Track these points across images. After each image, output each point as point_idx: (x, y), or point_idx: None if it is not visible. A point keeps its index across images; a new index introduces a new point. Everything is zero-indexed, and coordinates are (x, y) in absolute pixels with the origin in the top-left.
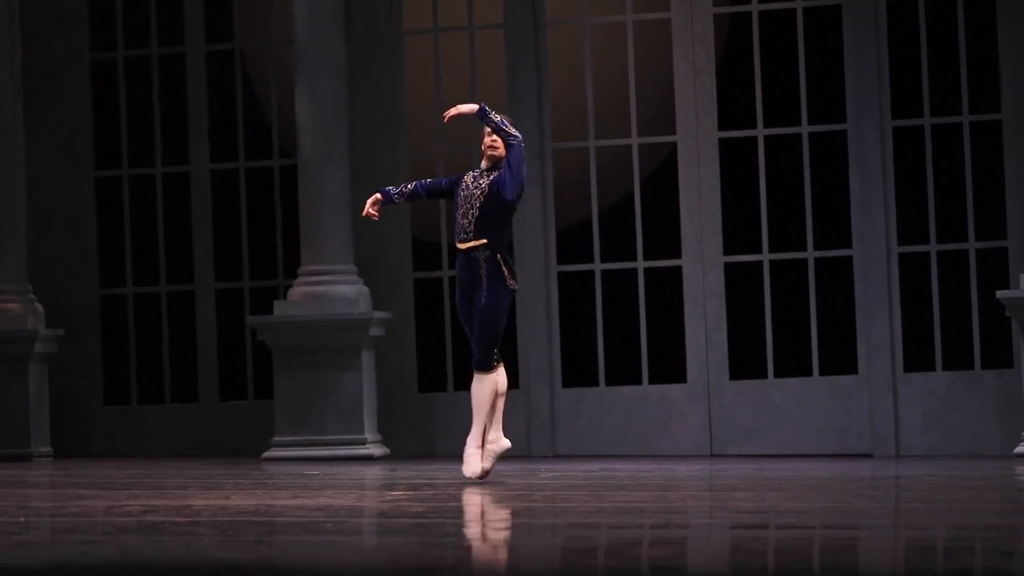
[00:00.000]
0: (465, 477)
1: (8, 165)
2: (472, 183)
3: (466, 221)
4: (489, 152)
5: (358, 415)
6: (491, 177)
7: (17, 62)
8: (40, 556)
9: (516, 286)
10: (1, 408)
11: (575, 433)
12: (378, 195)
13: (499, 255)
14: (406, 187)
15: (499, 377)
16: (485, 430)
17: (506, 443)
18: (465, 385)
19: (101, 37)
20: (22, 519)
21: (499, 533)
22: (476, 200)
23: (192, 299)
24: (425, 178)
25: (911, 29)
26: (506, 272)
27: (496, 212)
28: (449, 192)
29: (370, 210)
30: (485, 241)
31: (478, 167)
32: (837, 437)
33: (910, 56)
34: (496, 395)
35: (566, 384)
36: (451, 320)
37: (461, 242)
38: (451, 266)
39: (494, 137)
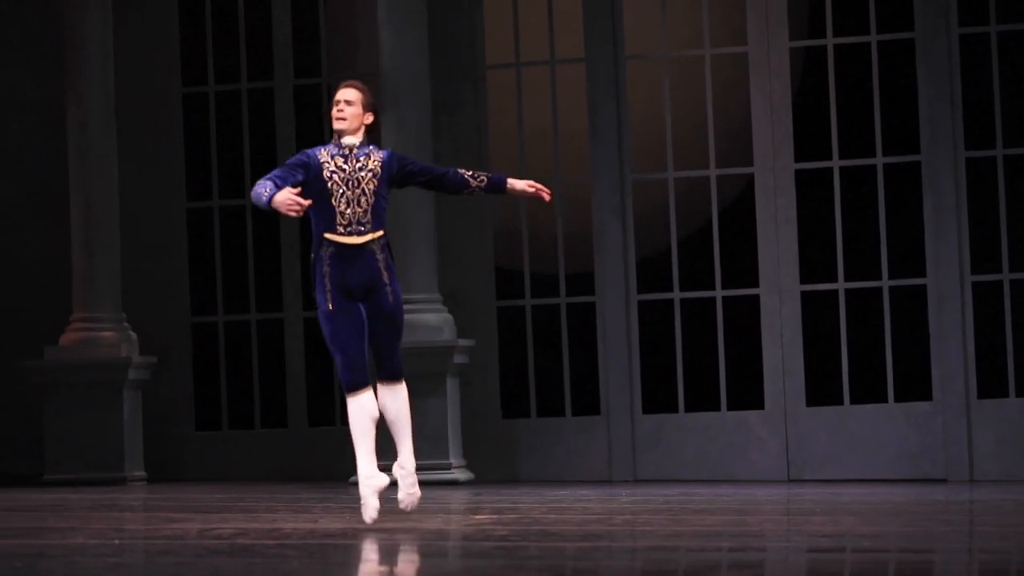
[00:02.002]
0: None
1: (103, 196)
2: (346, 164)
3: (360, 210)
4: (337, 123)
5: (443, 440)
6: (378, 157)
7: (112, 96)
8: None
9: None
10: (96, 433)
11: (655, 458)
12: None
13: (390, 246)
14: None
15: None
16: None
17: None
18: (549, 411)
19: (193, 72)
20: (117, 541)
21: (581, 556)
22: (368, 184)
23: (281, 327)
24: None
25: (983, 61)
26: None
27: (387, 198)
28: (304, 181)
29: (301, 201)
30: (382, 232)
31: (330, 144)
32: (912, 462)
33: (982, 87)
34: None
35: (646, 410)
36: (534, 347)
37: (354, 235)
38: (535, 295)
39: (341, 106)
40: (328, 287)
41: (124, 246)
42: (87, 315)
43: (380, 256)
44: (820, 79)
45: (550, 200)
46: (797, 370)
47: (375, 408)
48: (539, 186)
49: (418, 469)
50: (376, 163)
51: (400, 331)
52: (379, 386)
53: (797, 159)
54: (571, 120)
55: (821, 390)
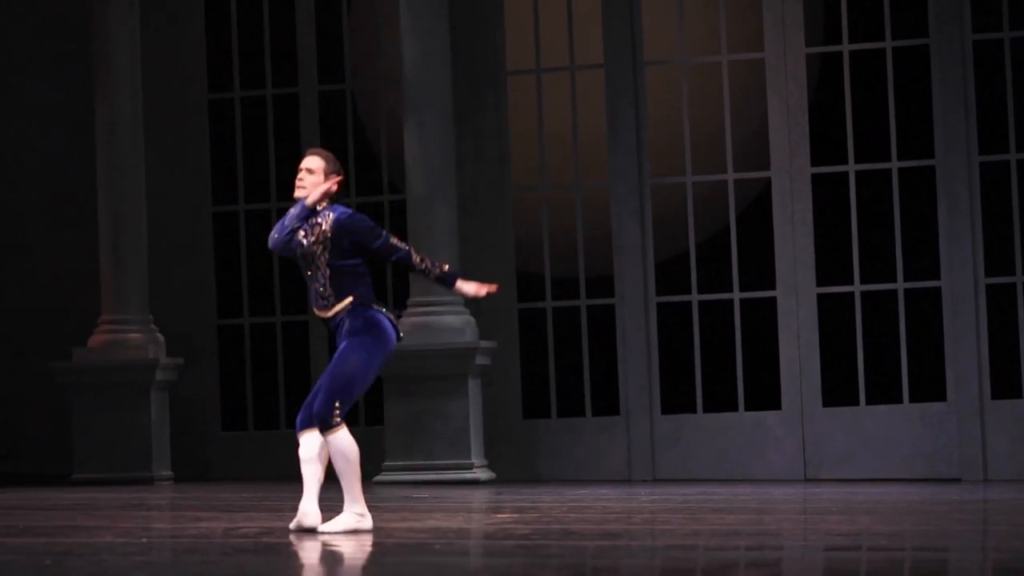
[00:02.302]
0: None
1: (131, 201)
2: (304, 238)
3: (318, 285)
4: (297, 191)
5: (465, 441)
6: (328, 225)
7: (139, 103)
8: (162, 575)
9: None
10: (124, 433)
11: (674, 458)
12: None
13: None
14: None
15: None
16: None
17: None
18: (570, 411)
19: (219, 78)
20: (144, 540)
21: (601, 555)
22: (319, 259)
23: (305, 329)
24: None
25: (997, 67)
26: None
27: (350, 259)
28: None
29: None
30: (351, 299)
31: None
32: (927, 462)
33: (996, 93)
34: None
35: (665, 411)
36: (554, 349)
37: (322, 309)
38: (555, 297)
39: (301, 175)
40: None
41: (151, 250)
42: (115, 317)
43: (347, 324)
44: (836, 85)
45: (496, 292)
46: (813, 371)
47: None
48: (486, 287)
49: (441, 468)
50: (324, 234)
51: (336, 382)
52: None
53: (813, 163)
54: (590, 125)
55: (837, 391)
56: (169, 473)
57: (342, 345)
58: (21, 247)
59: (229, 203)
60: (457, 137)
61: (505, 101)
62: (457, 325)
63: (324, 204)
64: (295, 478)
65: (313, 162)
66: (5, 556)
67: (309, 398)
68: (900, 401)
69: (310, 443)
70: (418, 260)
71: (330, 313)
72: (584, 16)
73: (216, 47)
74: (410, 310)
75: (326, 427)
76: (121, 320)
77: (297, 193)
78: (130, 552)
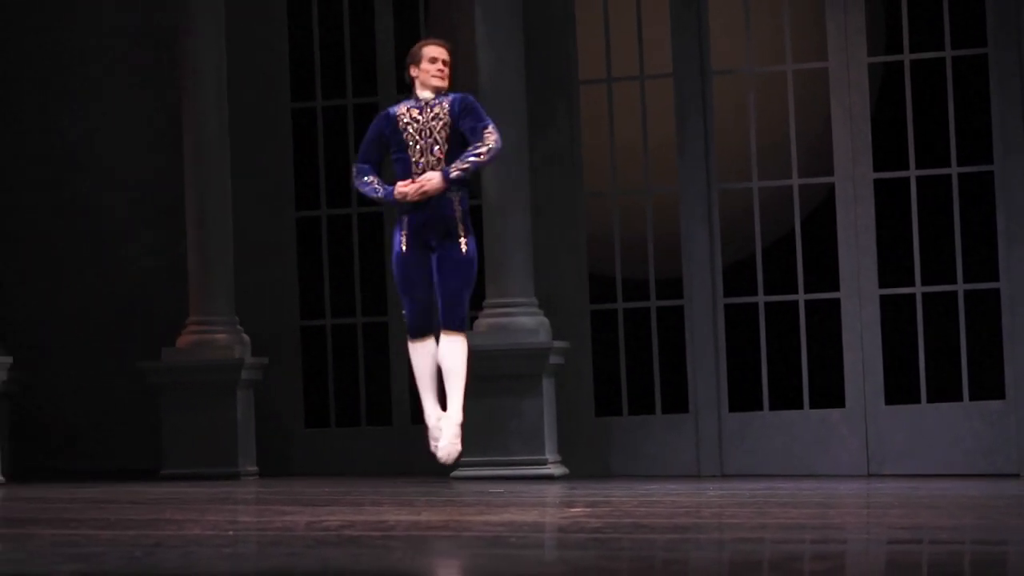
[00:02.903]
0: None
1: (217, 206)
2: (420, 115)
3: (433, 159)
4: (435, 81)
5: (539, 438)
6: (447, 103)
7: (225, 111)
8: (247, 567)
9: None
10: (211, 430)
11: (741, 454)
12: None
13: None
14: (372, 178)
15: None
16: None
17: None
18: (640, 409)
19: (302, 88)
20: (231, 533)
21: (670, 547)
22: (441, 131)
23: (385, 329)
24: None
25: None
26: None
27: (460, 143)
28: (385, 147)
29: (416, 187)
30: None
31: (407, 98)
32: (986, 458)
33: None
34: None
35: (732, 409)
36: (625, 349)
37: None
38: (626, 299)
39: (440, 65)
40: (404, 230)
41: (237, 253)
42: (202, 319)
43: (457, 207)
44: (897, 92)
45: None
46: (876, 370)
47: (435, 354)
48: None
49: (516, 464)
50: (445, 111)
51: (469, 282)
52: (441, 335)
53: (876, 169)
54: (660, 132)
55: (899, 389)
56: (254, 468)
57: (467, 244)
58: (112, 251)
59: (311, 208)
60: (530, 144)
61: (577, 109)
62: (531, 326)
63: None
64: (376, 473)
65: (444, 52)
66: (97, 548)
67: (426, 307)
68: (960, 399)
69: (433, 348)
70: (478, 150)
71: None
72: (653, 27)
73: (299, 58)
74: (485, 311)
75: (463, 328)
76: (208, 321)
77: (438, 83)
78: (217, 544)
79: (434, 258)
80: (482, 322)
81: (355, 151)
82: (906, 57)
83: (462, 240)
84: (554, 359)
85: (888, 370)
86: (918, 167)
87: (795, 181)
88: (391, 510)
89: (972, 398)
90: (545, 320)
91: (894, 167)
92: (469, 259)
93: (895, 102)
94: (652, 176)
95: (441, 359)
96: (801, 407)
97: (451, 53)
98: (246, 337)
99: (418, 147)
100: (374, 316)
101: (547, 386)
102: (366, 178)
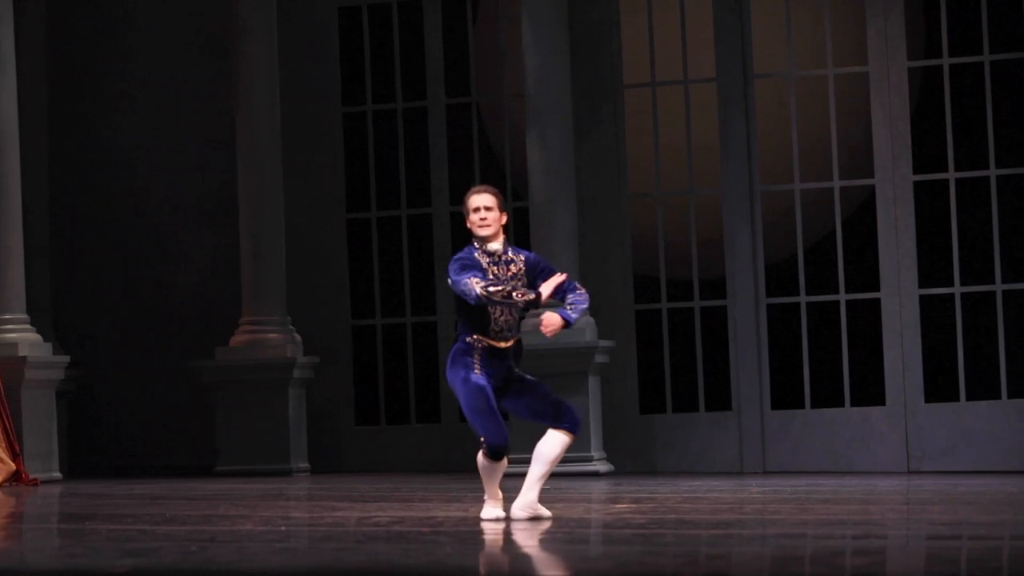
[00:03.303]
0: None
1: (270, 208)
2: (498, 271)
3: (511, 318)
4: (479, 231)
5: (585, 435)
6: (520, 263)
7: (278, 116)
8: (299, 562)
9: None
10: (263, 428)
11: (783, 451)
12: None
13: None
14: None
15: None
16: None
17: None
18: (684, 407)
19: (352, 93)
20: (283, 528)
21: (714, 543)
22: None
23: (435, 329)
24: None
25: None
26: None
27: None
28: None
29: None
30: (518, 335)
31: (475, 247)
32: None
33: None
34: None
35: (775, 406)
36: (669, 348)
37: (502, 341)
38: (670, 299)
39: (482, 213)
40: (476, 366)
41: (289, 255)
42: (255, 319)
43: (513, 357)
44: (936, 96)
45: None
46: (916, 368)
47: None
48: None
49: (563, 461)
50: (520, 271)
51: (547, 390)
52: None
53: (915, 171)
54: (703, 135)
55: (938, 387)
56: (306, 465)
57: (531, 378)
58: (167, 253)
59: (362, 210)
60: (577, 147)
61: (622, 112)
62: (578, 326)
63: (502, 241)
64: (424, 470)
65: (488, 200)
66: (154, 543)
67: (502, 427)
68: (999, 397)
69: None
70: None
71: (507, 344)
72: (697, 32)
73: (349, 63)
74: (531, 311)
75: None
76: (261, 321)
77: (483, 231)
78: (270, 539)
79: (506, 399)
80: (529, 321)
81: (405, 154)
82: (945, 61)
83: (516, 373)
84: (600, 358)
85: (928, 368)
86: (957, 169)
87: (836, 183)
88: (440, 506)
89: (1011, 395)
90: (591, 320)
91: (934, 169)
92: (530, 378)
93: (934, 105)
94: (696, 178)
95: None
96: (842, 405)
97: (497, 196)
98: (298, 336)
99: (500, 306)
100: (423, 316)
101: (593, 384)
102: (489, 280)
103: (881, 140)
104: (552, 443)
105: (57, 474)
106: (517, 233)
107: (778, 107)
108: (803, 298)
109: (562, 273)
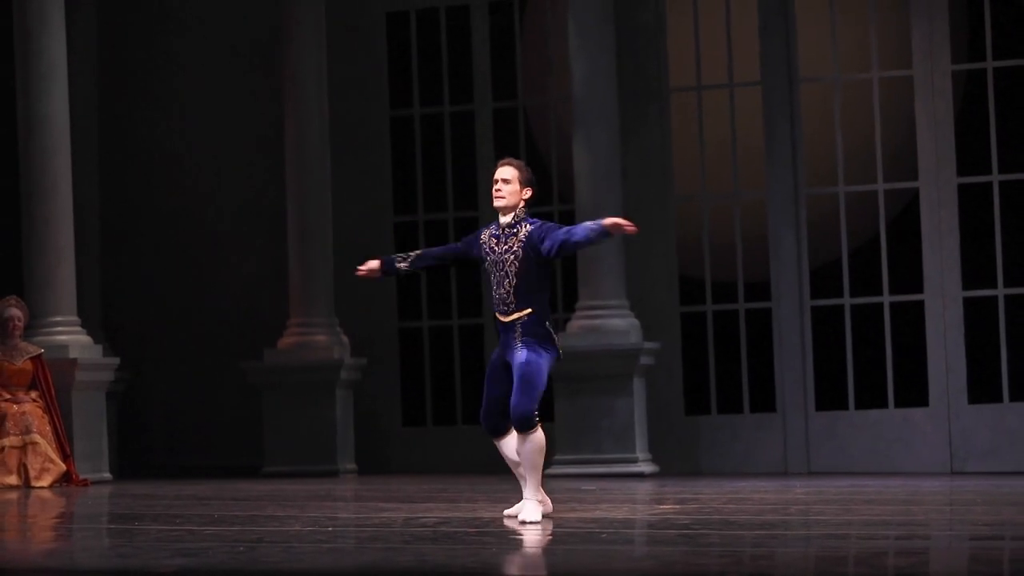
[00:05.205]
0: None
1: (318, 211)
2: (496, 245)
3: (503, 292)
4: (495, 202)
5: (630, 436)
6: (523, 236)
7: (326, 120)
8: (346, 562)
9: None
10: (311, 429)
11: (827, 452)
12: (376, 262)
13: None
14: (412, 254)
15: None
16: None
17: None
18: (729, 408)
19: (400, 97)
20: (330, 528)
21: (758, 543)
22: (510, 267)
23: (481, 331)
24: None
25: None
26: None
27: (537, 273)
28: (469, 256)
29: (361, 269)
30: (529, 311)
31: (495, 223)
32: None
33: None
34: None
35: (819, 408)
36: (714, 350)
37: (501, 314)
38: (715, 301)
39: (499, 185)
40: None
41: (337, 257)
42: (303, 321)
43: (519, 334)
44: (980, 100)
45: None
46: (959, 370)
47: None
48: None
49: (608, 462)
50: (519, 245)
51: (528, 384)
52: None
53: (959, 174)
54: (748, 139)
55: (982, 388)
56: (353, 466)
57: (523, 354)
58: (217, 256)
59: (409, 213)
60: (623, 150)
61: (668, 116)
62: (623, 328)
63: (517, 216)
64: (471, 471)
65: (508, 172)
66: (202, 543)
67: (490, 407)
68: None
69: (511, 444)
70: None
71: (507, 319)
72: (742, 36)
73: (397, 68)
74: (579, 313)
75: (530, 427)
76: (308, 323)
77: (496, 203)
78: (317, 539)
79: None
80: (575, 324)
81: (452, 158)
82: (989, 64)
83: (517, 353)
84: (645, 360)
85: (971, 370)
86: (1001, 172)
87: (880, 186)
88: (486, 507)
89: None
90: (636, 322)
91: (977, 172)
92: (525, 364)
93: (978, 108)
94: (741, 181)
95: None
96: (886, 406)
97: (521, 170)
98: (345, 338)
99: (494, 279)
100: (470, 318)
101: (638, 386)
102: (412, 253)
103: (925, 143)
104: (515, 446)
105: (107, 475)
106: None
107: (823, 110)
108: (847, 300)
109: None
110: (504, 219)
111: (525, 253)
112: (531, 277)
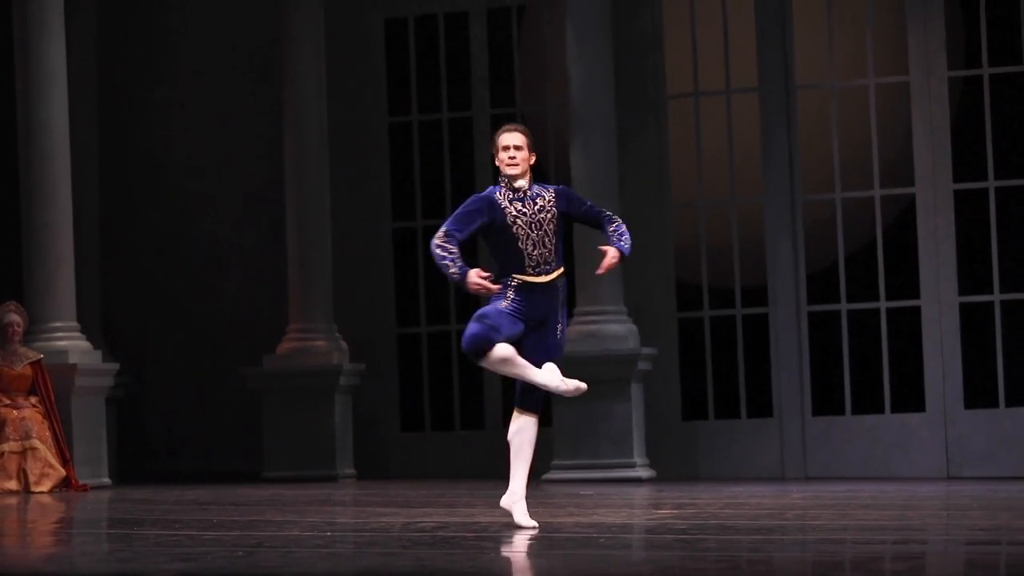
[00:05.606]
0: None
1: (316, 217)
2: (524, 207)
3: (545, 251)
4: (508, 170)
5: (628, 441)
6: (551, 195)
7: (325, 126)
8: (345, 566)
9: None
10: (310, 434)
11: (824, 457)
12: (486, 281)
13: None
14: (456, 252)
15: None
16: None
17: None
18: (726, 413)
19: (398, 103)
20: (329, 533)
21: (755, 548)
22: (549, 224)
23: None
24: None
25: None
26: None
27: (561, 234)
28: (493, 225)
29: (489, 285)
30: (563, 269)
31: (501, 186)
32: None
33: None
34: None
35: (816, 413)
36: (712, 355)
37: (542, 275)
38: (712, 306)
39: (512, 152)
40: (509, 302)
41: (335, 263)
42: (302, 326)
43: (560, 294)
44: (977, 105)
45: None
46: (956, 375)
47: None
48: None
49: (605, 467)
50: (551, 203)
51: (557, 354)
52: (515, 412)
53: (956, 180)
54: (745, 145)
55: (978, 393)
56: (352, 471)
57: (562, 327)
58: (215, 261)
59: (407, 219)
60: (620, 156)
61: (665, 122)
62: (621, 333)
63: (530, 179)
64: (469, 476)
65: (518, 139)
66: (201, 548)
67: (494, 331)
68: None
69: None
70: (612, 227)
71: (549, 279)
72: (739, 43)
73: (396, 75)
74: (577, 319)
75: (537, 411)
76: (307, 329)
77: (511, 170)
78: (316, 544)
79: (526, 339)
80: (572, 329)
81: (450, 164)
82: (985, 71)
83: (558, 325)
84: (642, 365)
85: (967, 375)
86: (997, 178)
87: (877, 192)
88: (483, 511)
89: None
90: (634, 327)
91: (974, 178)
92: (561, 344)
93: (975, 114)
94: (738, 187)
95: (513, 436)
96: (882, 411)
97: (528, 135)
98: (344, 344)
99: (530, 240)
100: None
101: (635, 391)
102: (451, 248)
103: (921, 149)
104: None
105: (106, 480)
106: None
107: (819, 117)
108: (844, 306)
109: (622, 225)
110: (521, 183)
111: (559, 211)
112: (561, 237)
